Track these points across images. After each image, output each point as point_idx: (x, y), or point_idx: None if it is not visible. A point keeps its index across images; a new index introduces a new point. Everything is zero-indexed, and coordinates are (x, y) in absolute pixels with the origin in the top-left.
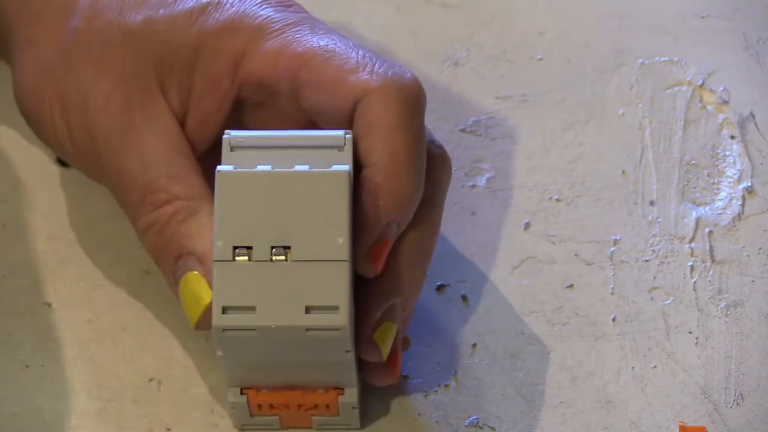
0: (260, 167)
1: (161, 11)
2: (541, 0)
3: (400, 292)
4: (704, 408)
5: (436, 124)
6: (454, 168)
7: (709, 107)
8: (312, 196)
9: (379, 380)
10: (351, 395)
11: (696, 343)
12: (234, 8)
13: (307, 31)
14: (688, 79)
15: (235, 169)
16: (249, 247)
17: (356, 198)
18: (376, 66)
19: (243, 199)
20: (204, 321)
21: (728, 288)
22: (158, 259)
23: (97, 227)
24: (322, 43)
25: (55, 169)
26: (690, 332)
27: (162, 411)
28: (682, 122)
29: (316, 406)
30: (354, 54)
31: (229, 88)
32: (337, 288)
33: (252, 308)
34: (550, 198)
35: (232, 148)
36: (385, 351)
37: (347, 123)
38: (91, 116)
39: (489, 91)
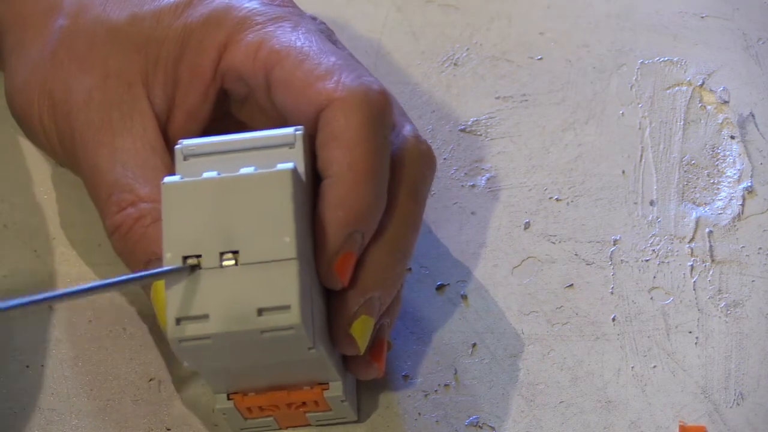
0: (206, 174)
1: (146, 6)
2: (541, 0)
3: (378, 287)
4: (704, 408)
5: (436, 124)
6: (453, 168)
7: (709, 107)
8: (257, 198)
9: (363, 374)
10: (336, 389)
11: (696, 343)
12: (219, 0)
13: (288, 28)
14: (688, 79)
15: (181, 179)
16: (198, 256)
17: (317, 209)
18: (344, 75)
19: (189, 208)
20: None
21: (728, 288)
22: (127, 263)
23: (97, 227)
24: (299, 43)
25: (55, 169)
26: (690, 332)
27: (162, 411)
28: (682, 122)
29: (305, 404)
30: (326, 60)
31: (212, 80)
32: (287, 287)
33: (205, 316)
34: (550, 198)
35: (185, 158)
36: (362, 344)
37: (312, 129)
38: (73, 113)
39: (489, 91)
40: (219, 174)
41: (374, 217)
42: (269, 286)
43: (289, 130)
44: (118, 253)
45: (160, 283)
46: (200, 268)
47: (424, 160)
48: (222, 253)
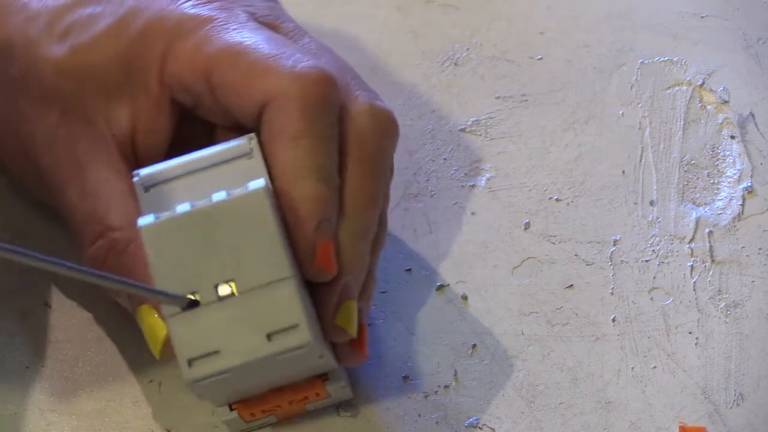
0: (179, 208)
1: (83, 36)
2: (541, 0)
3: (350, 269)
4: (704, 408)
5: (436, 124)
6: (453, 168)
7: (709, 107)
8: (238, 223)
9: (350, 361)
10: (336, 378)
11: (696, 344)
12: (149, 12)
13: (219, 28)
14: (688, 79)
15: (156, 218)
16: (195, 292)
17: (279, 211)
18: (279, 67)
19: (173, 246)
20: (165, 352)
21: (728, 288)
22: (111, 294)
23: None
24: (232, 41)
25: None
26: (690, 332)
27: (162, 412)
28: (682, 122)
29: (306, 397)
30: (259, 54)
31: (160, 94)
32: (290, 306)
33: (216, 352)
34: (550, 198)
35: (146, 189)
36: (352, 329)
37: (259, 127)
38: (40, 155)
39: (489, 91)
40: (192, 205)
41: (332, 204)
42: (273, 309)
43: (243, 140)
44: (99, 286)
45: (142, 309)
46: (199, 304)
47: (378, 131)
48: (217, 285)
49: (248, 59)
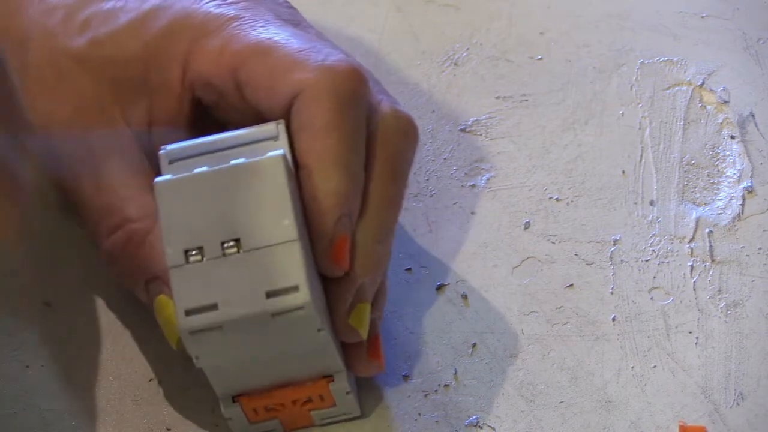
0: (197, 170)
1: (103, 30)
2: (541, 0)
3: (366, 272)
4: (704, 408)
5: (436, 124)
6: (453, 168)
7: (709, 107)
8: (251, 186)
9: (365, 371)
10: (341, 380)
11: (696, 343)
12: (173, 10)
13: (246, 26)
14: (688, 79)
15: (173, 176)
16: (200, 247)
17: (301, 201)
18: (309, 61)
19: (184, 202)
20: (182, 343)
21: (728, 288)
22: (127, 287)
23: None
24: (260, 38)
25: None
26: (690, 332)
27: (162, 411)
28: (682, 122)
29: (310, 399)
30: (288, 49)
31: (182, 92)
32: (293, 268)
33: (214, 306)
34: (550, 198)
35: (170, 162)
36: (363, 331)
37: (288, 120)
38: (56, 146)
39: (489, 91)
40: (210, 168)
41: (355, 200)
42: (275, 269)
43: (271, 124)
44: (116, 277)
45: (160, 299)
46: (204, 259)
47: (402, 135)
48: (223, 242)
49: (277, 54)
